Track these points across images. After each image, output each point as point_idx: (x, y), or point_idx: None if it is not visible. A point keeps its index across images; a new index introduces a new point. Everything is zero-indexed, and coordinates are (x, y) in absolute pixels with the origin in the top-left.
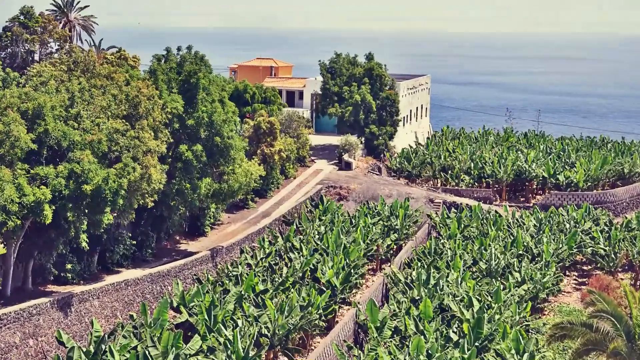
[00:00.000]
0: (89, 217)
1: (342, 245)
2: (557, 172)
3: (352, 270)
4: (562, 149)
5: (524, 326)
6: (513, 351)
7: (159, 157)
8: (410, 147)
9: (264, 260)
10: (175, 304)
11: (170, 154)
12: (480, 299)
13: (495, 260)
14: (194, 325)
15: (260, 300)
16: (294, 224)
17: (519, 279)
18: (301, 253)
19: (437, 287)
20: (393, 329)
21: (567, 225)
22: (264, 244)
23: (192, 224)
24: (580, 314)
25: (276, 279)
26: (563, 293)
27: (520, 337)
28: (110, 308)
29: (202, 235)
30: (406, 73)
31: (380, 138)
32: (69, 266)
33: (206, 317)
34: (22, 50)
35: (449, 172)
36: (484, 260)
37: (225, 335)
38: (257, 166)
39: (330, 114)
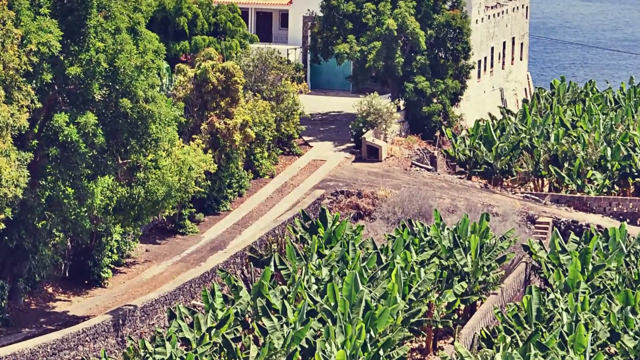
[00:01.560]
0: None
1: (362, 303)
2: None
3: (380, 352)
4: None
5: None
6: None
7: (15, 138)
8: (492, 117)
9: (213, 332)
10: None
11: (36, 131)
12: None
13: None
14: None
15: None
16: (271, 263)
17: None
18: (285, 318)
19: None
20: None
21: None
22: (215, 302)
23: (77, 263)
24: None
25: None
26: None
27: None
28: None
29: (97, 285)
30: None
31: (435, 101)
32: None
33: None
34: None
35: (565, 165)
36: (630, 334)
37: None
38: (201, 154)
39: (339, 55)
